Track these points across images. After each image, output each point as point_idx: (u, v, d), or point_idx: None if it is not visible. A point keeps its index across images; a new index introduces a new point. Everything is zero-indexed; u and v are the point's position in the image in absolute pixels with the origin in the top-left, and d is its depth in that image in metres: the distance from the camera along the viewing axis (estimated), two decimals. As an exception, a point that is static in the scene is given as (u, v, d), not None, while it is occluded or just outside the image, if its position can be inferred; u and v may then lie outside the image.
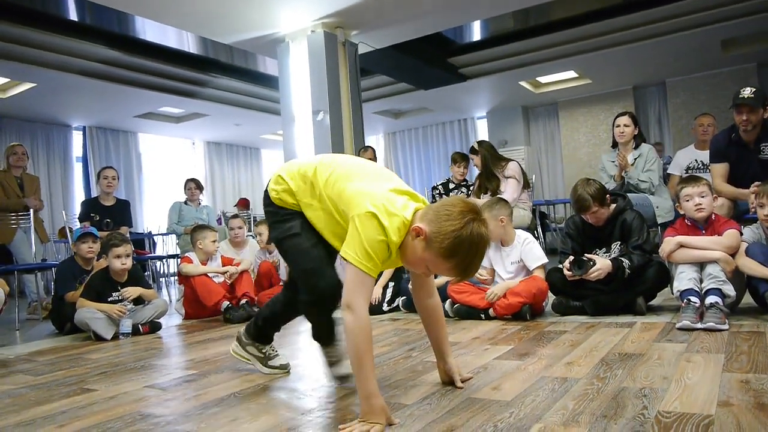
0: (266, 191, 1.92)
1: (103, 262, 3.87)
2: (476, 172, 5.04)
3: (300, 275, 1.86)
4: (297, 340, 3.11)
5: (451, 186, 5.45)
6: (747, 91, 3.40)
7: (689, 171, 4.57)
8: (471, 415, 1.56)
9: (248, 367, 2.29)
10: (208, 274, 4.17)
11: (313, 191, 1.79)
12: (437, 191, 5.50)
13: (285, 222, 1.86)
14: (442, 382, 1.90)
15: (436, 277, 2.16)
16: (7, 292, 3.31)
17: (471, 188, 5.36)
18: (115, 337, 3.47)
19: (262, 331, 2.18)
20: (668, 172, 4.85)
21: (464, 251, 1.50)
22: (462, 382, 1.86)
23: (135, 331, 3.55)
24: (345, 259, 1.55)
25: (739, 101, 3.41)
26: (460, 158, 5.44)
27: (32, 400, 2.08)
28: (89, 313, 3.45)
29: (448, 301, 3.45)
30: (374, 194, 1.60)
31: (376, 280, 2.23)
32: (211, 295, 4.04)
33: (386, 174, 1.81)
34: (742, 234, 2.82)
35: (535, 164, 9.86)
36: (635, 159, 4.15)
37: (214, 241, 4.33)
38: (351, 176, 1.71)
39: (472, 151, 4.89)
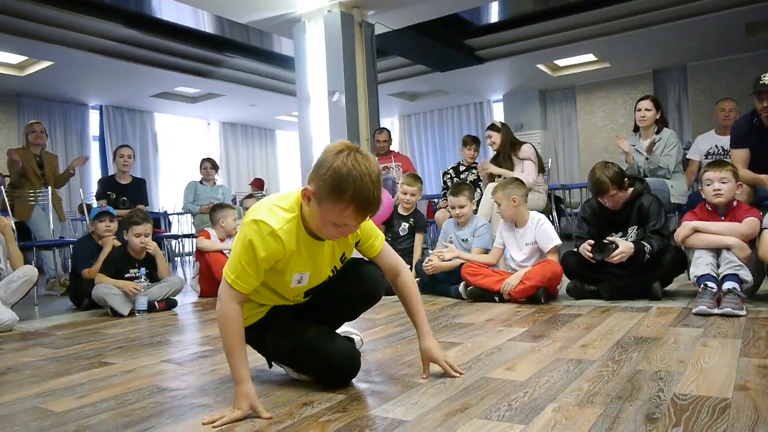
0: None
1: (115, 241, 3.92)
2: (484, 155, 5.02)
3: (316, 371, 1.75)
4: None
5: (462, 168, 5.43)
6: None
7: (709, 156, 4.51)
8: (485, 395, 1.56)
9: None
10: (224, 252, 4.20)
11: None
12: (448, 176, 5.47)
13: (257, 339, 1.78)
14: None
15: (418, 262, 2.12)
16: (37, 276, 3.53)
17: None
18: (132, 313, 3.51)
19: None
20: (687, 157, 4.78)
21: (350, 183, 1.42)
22: (441, 377, 1.74)
23: (151, 308, 3.59)
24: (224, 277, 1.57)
25: (759, 87, 3.35)
26: (470, 141, 5.42)
27: (52, 372, 2.12)
28: (107, 288, 3.50)
29: (462, 284, 3.46)
30: (268, 202, 1.60)
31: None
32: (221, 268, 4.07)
33: None
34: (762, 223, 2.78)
35: (551, 148, 9.77)
36: (656, 143, 4.08)
37: (235, 219, 4.37)
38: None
39: (494, 128, 4.82)
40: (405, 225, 4.19)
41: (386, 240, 3.84)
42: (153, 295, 3.63)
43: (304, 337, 1.71)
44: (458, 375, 1.74)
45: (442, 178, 5.57)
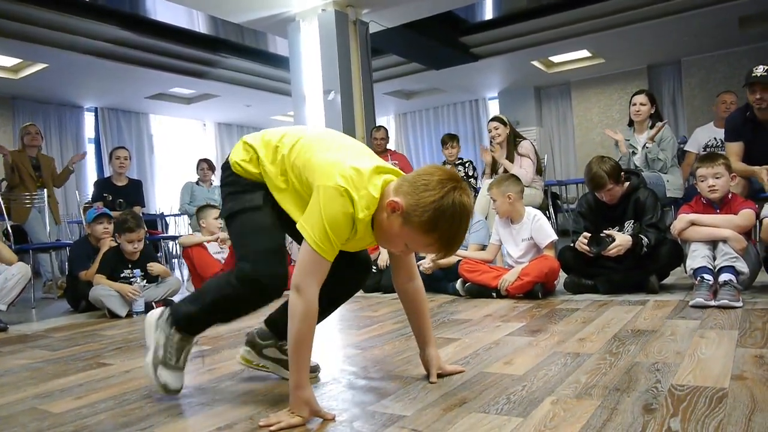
0: (227, 161, 1.66)
1: (112, 242, 3.91)
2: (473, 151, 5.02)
3: (248, 255, 1.53)
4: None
5: (448, 167, 5.44)
6: (760, 69, 3.35)
7: (707, 149, 4.52)
8: (483, 389, 1.57)
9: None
10: (209, 251, 4.21)
11: (278, 159, 1.56)
12: None
13: (245, 193, 1.58)
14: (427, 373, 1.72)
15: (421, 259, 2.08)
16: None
17: (466, 166, 5.36)
18: (129, 314, 3.51)
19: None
20: (685, 149, 4.80)
21: (446, 223, 1.36)
22: (441, 377, 1.68)
23: (148, 309, 3.58)
24: (301, 234, 1.40)
25: (752, 80, 3.36)
26: (448, 139, 5.46)
27: (50, 373, 2.11)
28: (104, 290, 3.50)
29: (459, 280, 3.46)
30: (343, 166, 1.42)
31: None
32: (207, 268, 4.10)
33: (358, 147, 1.62)
34: (758, 215, 2.79)
35: (547, 145, 9.77)
36: (651, 137, 4.09)
37: (216, 218, 4.35)
38: (320, 145, 1.53)
39: (500, 120, 4.79)
40: None
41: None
42: (150, 296, 3.63)
43: (277, 231, 1.56)
44: (462, 371, 1.74)
45: None
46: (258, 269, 1.50)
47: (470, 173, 5.40)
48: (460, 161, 5.45)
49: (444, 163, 5.54)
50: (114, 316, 3.45)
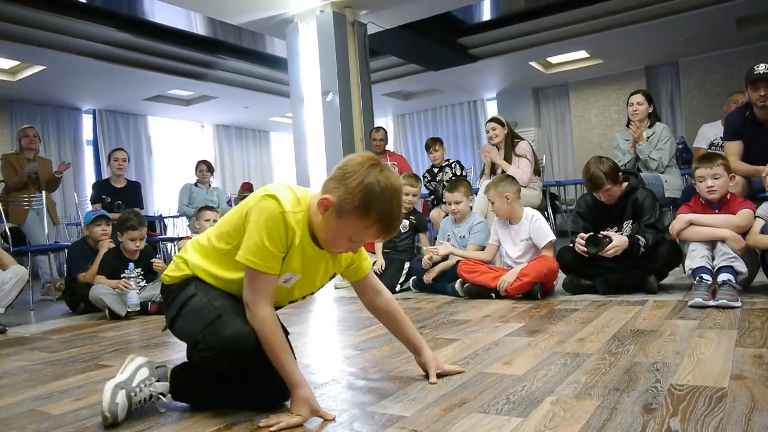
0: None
1: (110, 243, 3.91)
2: (472, 152, 5.04)
3: (201, 333, 1.47)
4: (307, 318, 3.14)
5: (436, 170, 5.49)
6: (762, 67, 3.35)
7: (712, 147, 4.54)
8: (483, 389, 1.57)
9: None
10: None
11: (208, 247, 1.57)
12: (426, 179, 5.54)
13: (178, 294, 1.58)
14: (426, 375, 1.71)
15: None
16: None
17: (453, 166, 5.38)
18: (128, 314, 3.50)
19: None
20: (694, 146, 4.83)
21: (379, 201, 1.37)
22: (441, 377, 1.68)
23: (143, 310, 3.57)
24: (240, 263, 1.43)
25: (754, 77, 3.36)
26: (432, 143, 5.51)
27: (48, 375, 2.11)
28: (103, 289, 3.51)
29: (458, 281, 3.46)
30: (263, 188, 1.49)
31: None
32: None
33: None
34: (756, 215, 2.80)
35: (545, 146, 9.78)
36: (648, 137, 4.11)
37: (210, 220, 4.33)
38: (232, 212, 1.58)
39: (498, 121, 4.80)
40: (406, 223, 4.19)
41: (387, 238, 3.71)
42: (147, 297, 3.62)
43: (219, 301, 1.51)
44: (462, 371, 1.74)
45: (423, 182, 5.61)
46: (213, 341, 1.44)
47: (458, 173, 5.41)
48: (447, 162, 5.48)
49: (432, 166, 5.56)
50: (114, 316, 3.45)
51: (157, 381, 1.56)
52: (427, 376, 1.69)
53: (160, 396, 1.55)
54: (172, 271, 1.63)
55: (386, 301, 1.73)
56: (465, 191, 3.74)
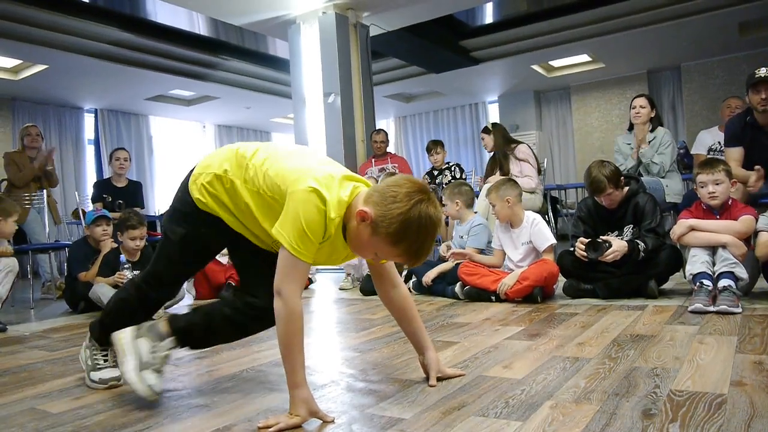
0: (187, 188, 1.68)
1: (112, 243, 3.91)
2: (479, 157, 5.06)
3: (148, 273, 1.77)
4: (308, 318, 3.13)
5: (436, 173, 5.51)
6: (763, 70, 3.35)
7: (710, 153, 4.54)
8: (482, 392, 1.57)
9: (260, 345, 2.31)
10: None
11: (249, 176, 1.57)
12: (426, 181, 5.57)
13: (178, 223, 1.70)
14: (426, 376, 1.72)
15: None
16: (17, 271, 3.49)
17: (452, 169, 5.39)
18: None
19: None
20: (693, 152, 4.82)
21: (413, 235, 1.39)
22: (441, 380, 1.68)
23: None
24: (277, 240, 1.43)
25: (755, 80, 3.36)
26: (433, 145, 5.54)
27: (48, 373, 2.11)
28: (103, 288, 3.51)
29: (458, 284, 3.46)
30: (315, 171, 1.47)
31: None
32: (213, 272, 4.19)
33: (327, 158, 1.67)
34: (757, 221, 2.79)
35: (546, 149, 9.79)
36: (650, 141, 4.10)
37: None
38: (291, 155, 1.58)
39: (485, 131, 4.87)
40: None
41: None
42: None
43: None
44: (462, 374, 1.74)
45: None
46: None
47: (457, 176, 5.43)
48: (447, 165, 5.49)
49: (432, 169, 5.57)
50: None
51: (159, 341, 1.63)
52: (427, 378, 1.69)
53: (170, 350, 1.65)
54: (202, 194, 1.62)
55: (401, 296, 1.73)
56: (450, 195, 3.87)
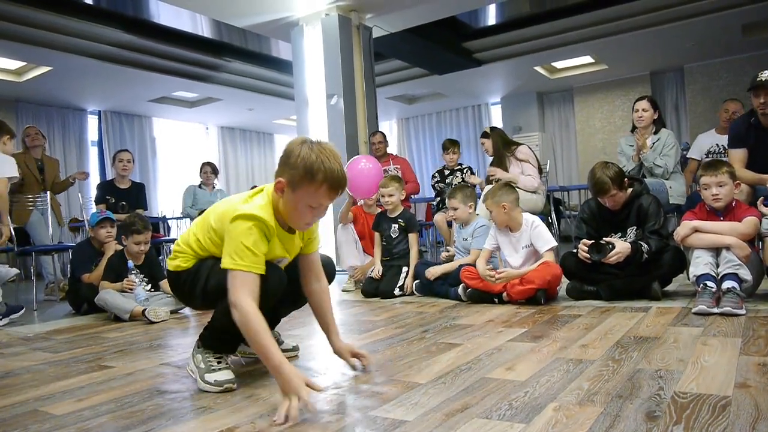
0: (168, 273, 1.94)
1: (117, 245, 3.92)
2: (481, 157, 5.07)
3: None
4: (310, 321, 3.13)
5: (447, 172, 5.49)
6: (766, 74, 3.34)
7: (709, 155, 4.52)
8: (486, 394, 1.56)
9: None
10: None
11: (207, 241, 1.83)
12: (435, 180, 5.57)
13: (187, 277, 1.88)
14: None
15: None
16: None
17: (465, 172, 5.39)
18: (133, 318, 3.48)
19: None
20: (688, 156, 4.80)
21: (318, 163, 1.60)
22: (355, 357, 1.92)
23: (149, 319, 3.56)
24: (223, 267, 1.63)
25: (756, 84, 3.35)
26: (450, 144, 5.50)
27: (51, 375, 2.11)
28: (108, 294, 3.51)
29: (461, 286, 3.45)
30: (236, 205, 1.71)
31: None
32: None
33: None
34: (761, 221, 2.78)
35: (549, 150, 9.79)
36: (653, 143, 4.10)
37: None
38: (207, 214, 1.85)
39: (484, 135, 4.89)
40: (394, 226, 4.14)
41: (382, 244, 3.94)
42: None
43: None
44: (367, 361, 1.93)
45: (431, 182, 5.63)
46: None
47: (466, 179, 5.42)
48: (459, 167, 5.48)
49: (444, 167, 5.56)
50: (119, 319, 3.45)
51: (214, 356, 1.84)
52: (345, 361, 1.92)
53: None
54: (177, 265, 1.88)
55: (322, 290, 1.95)
56: (461, 198, 3.77)
